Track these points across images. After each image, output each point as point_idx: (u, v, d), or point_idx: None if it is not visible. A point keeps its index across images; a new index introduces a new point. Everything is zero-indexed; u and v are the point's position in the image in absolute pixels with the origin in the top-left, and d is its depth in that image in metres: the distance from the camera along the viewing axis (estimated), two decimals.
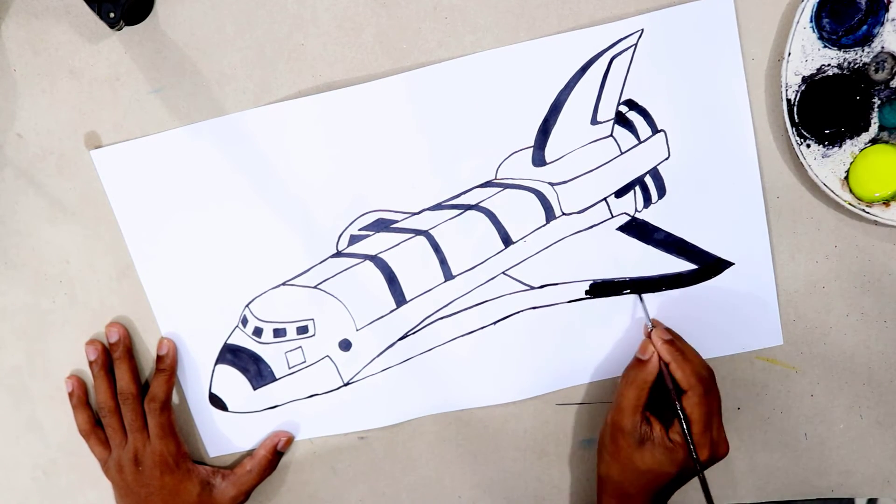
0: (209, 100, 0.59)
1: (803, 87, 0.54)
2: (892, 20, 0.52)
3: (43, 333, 0.64)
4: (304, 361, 0.61)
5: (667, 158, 0.57)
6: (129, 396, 0.62)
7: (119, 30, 0.57)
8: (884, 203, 0.55)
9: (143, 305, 0.63)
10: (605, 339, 0.60)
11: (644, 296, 0.59)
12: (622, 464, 0.56)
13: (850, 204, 0.55)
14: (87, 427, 0.64)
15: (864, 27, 0.53)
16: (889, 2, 0.52)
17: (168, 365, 0.62)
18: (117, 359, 0.63)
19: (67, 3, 0.58)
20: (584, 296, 0.60)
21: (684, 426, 0.54)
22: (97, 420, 0.64)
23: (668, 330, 0.57)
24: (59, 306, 0.64)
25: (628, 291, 0.59)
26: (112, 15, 0.54)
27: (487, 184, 0.58)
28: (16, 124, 0.61)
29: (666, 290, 0.59)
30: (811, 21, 0.53)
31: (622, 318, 0.60)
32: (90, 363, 0.63)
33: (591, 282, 0.59)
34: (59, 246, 0.62)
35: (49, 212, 0.62)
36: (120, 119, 0.60)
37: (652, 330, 0.57)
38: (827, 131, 0.55)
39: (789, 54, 0.54)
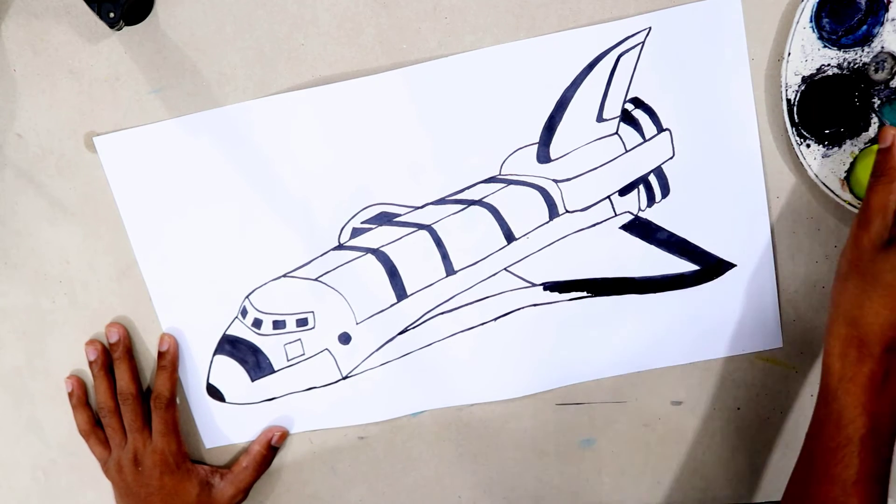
0: (209, 100, 0.59)
1: (803, 87, 0.54)
2: (892, 20, 0.52)
3: (43, 333, 0.64)
4: (303, 354, 0.62)
5: (671, 158, 0.57)
6: (128, 396, 0.62)
7: (119, 30, 0.57)
8: None
9: (144, 305, 0.63)
10: (606, 338, 0.60)
11: None
12: (861, 272, 0.48)
13: (849, 204, 0.55)
14: (86, 427, 0.64)
15: (864, 27, 0.53)
16: (889, 2, 0.52)
17: (169, 361, 0.62)
18: (117, 359, 0.63)
19: (67, 3, 0.58)
20: (586, 294, 0.60)
21: None
22: (97, 420, 0.64)
23: None
24: (59, 306, 0.63)
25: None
26: (112, 15, 0.54)
27: (491, 179, 0.58)
28: (16, 124, 0.60)
29: (667, 291, 0.59)
30: (811, 21, 0.53)
31: (623, 317, 0.60)
32: (90, 363, 0.63)
33: (593, 280, 0.59)
34: (59, 246, 0.62)
35: (49, 212, 0.62)
36: (120, 119, 0.60)
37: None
38: (827, 131, 0.55)
39: (789, 54, 0.54)
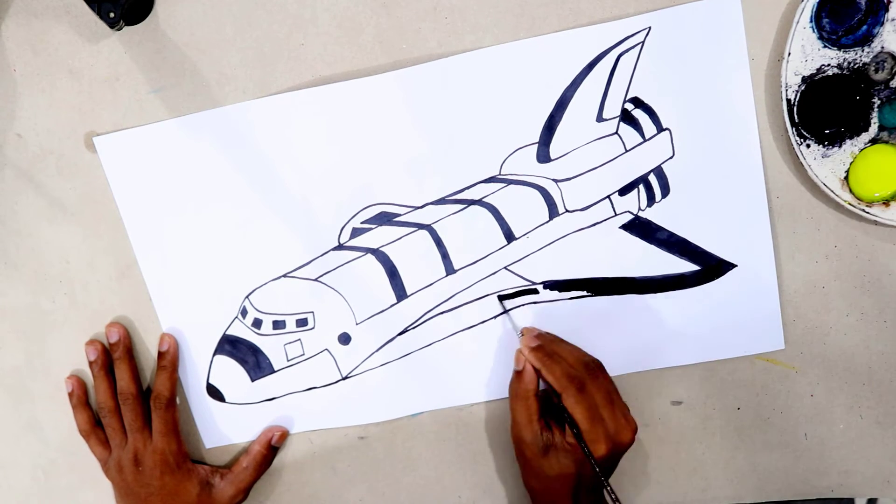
0: (209, 100, 0.59)
1: (803, 87, 0.54)
2: (892, 20, 0.52)
3: (43, 333, 0.64)
4: (303, 354, 0.62)
5: (671, 157, 0.57)
6: (129, 396, 0.62)
7: (119, 30, 0.57)
8: (884, 203, 0.55)
9: (144, 305, 0.63)
10: (605, 336, 0.60)
11: (510, 307, 0.60)
12: (535, 474, 0.57)
13: (850, 204, 0.55)
14: (87, 427, 0.64)
15: (864, 27, 0.53)
16: (889, 2, 0.52)
17: (169, 361, 0.62)
18: (117, 359, 0.63)
19: (67, 3, 0.58)
20: (586, 293, 0.60)
21: (573, 427, 0.55)
22: (97, 420, 0.64)
23: (540, 335, 0.58)
24: (59, 306, 0.63)
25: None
26: (112, 15, 0.54)
27: (491, 179, 0.58)
28: (16, 124, 0.60)
29: (668, 291, 0.59)
30: (811, 21, 0.53)
31: (623, 316, 0.60)
32: (90, 363, 0.63)
33: (593, 279, 0.59)
34: (59, 246, 0.62)
35: (49, 212, 0.62)
36: (120, 119, 0.60)
37: (521, 338, 0.58)
38: (827, 131, 0.55)
39: (789, 54, 0.54)
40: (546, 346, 0.57)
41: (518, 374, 0.58)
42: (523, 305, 0.60)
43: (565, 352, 0.57)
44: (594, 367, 0.57)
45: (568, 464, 0.56)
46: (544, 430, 0.57)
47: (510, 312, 0.60)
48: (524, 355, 0.57)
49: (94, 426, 0.64)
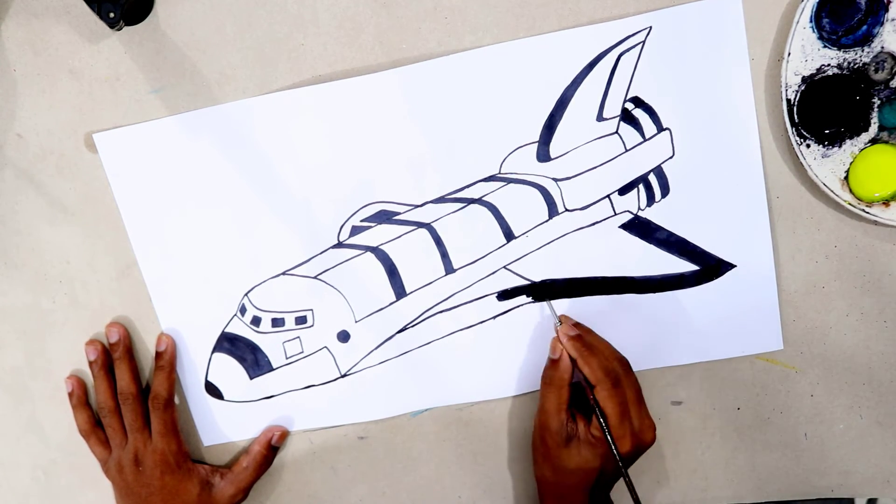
0: (209, 100, 0.59)
1: (803, 87, 0.54)
2: (892, 20, 0.52)
3: (43, 333, 0.64)
4: (302, 352, 0.61)
5: (671, 157, 0.57)
6: (129, 396, 0.62)
7: (119, 30, 0.57)
8: (884, 203, 0.55)
9: (144, 305, 0.63)
10: (606, 337, 0.60)
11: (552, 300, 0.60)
12: (553, 464, 0.57)
13: (849, 204, 0.55)
14: (87, 427, 0.64)
15: (864, 27, 0.53)
16: (889, 2, 0.52)
17: (167, 361, 0.62)
18: (117, 359, 0.63)
19: (67, 3, 0.58)
20: (585, 293, 0.60)
21: (601, 420, 0.55)
22: (97, 420, 0.64)
23: (577, 325, 0.58)
24: (59, 306, 0.64)
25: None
26: (112, 15, 0.54)
27: (491, 178, 0.58)
28: (16, 124, 0.61)
29: (667, 290, 0.59)
30: (811, 21, 0.53)
31: (622, 316, 0.60)
32: (90, 363, 0.63)
33: (592, 279, 0.59)
34: (59, 246, 0.62)
35: (49, 212, 0.62)
36: (120, 119, 0.60)
37: (559, 327, 0.58)
38: (827, 131, 0.55)
39: (789, 54, 0.54)
40: (584, 336, 0.57)
41: (554, 363, 0.57)
42: (522, 305, 0.60)
43: (601, 345, 0.57)
44: (626, 365, 0.57)
45: (589, 457, 0.56)
46: (569, 420, 0.57)
47: (553, 303, 0.59)
48: (562, 344, 0.57)
49: (94, 426, 0.64)
